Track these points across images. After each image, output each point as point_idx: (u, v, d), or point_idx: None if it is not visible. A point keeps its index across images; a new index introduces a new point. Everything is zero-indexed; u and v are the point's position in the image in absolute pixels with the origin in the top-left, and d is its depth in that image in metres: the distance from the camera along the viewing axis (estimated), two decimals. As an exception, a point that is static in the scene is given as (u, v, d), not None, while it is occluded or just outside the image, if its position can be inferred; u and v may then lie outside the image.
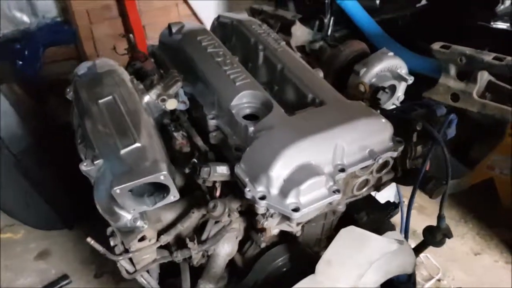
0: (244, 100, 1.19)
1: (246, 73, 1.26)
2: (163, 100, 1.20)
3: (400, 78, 1.51)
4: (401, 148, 1.18)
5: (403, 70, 1.52)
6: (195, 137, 1.24)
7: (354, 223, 1.32)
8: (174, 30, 1.46)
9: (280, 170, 1.00)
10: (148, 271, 1.21)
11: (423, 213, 2.38)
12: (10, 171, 2.07)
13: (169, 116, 1.31)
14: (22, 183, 2.12)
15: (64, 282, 2.17)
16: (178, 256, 1.18)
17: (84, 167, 1.05)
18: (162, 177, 0.98)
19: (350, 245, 1.08)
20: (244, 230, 1.26)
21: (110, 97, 1.12)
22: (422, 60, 2.10)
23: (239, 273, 1.30)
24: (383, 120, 1.15)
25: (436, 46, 1.90)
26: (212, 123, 1.22)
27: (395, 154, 1.17)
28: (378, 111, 1.28)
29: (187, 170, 1.19)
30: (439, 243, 1.35)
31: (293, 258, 1.24)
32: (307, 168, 1.02)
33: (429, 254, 2.13)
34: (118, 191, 0.96)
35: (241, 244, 1.30)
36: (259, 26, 1.47)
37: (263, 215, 1.04)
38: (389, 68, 1.49)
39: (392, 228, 1.46)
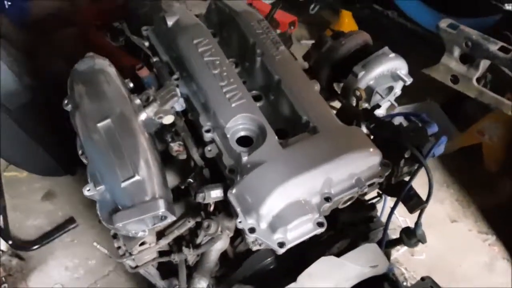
0: (239, 122, 1.20)
1: (242, 89, 1.25)
2: (160, 118, 1.21)
3: (399, 79, 1.49)
4: (387, 173, 1.24)
5: (403, 71, 1.49)
6: (192, 149, 1.28)
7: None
8: (169, 23, 1.39)
9: (270, 208, 1.07)
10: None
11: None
12: (9, 124, 2.10)
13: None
14: (21, 135, 2.17)
15: (72, 226, 2.36)
16: (176, 258, 1.30)
17: (87, 192, 1.12)
18: (160, 213, 1.05)
19: (328, 270, 1.20)
20: (235, 227, 1.37)
21: (108, 120, 1.14)
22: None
23: (230, 264, 1.45)
24: (372, 149, 1.19)
25: (443, 24, 1.83)
26: (207, 136, 1.25)
27: (381, 180, 1.23)
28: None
29: (182, 187, 1.26)
30: (412, 245, 1.47)
31: (280, 258, 1.37)
32: (296, 206, 1.09)
33: (408, 219, 2.30)
34: (120, 225, 1.04)
35: (233, 238, 1.42)
36: (257, 23, 1.40)
37: (253, 242, 1.14)
38: (389, 70, 1.46)
39: (380, 224, 1.55)
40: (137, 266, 1.33)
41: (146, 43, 1.51)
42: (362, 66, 1.44)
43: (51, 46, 2.37)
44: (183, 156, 1.32)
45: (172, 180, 1.39)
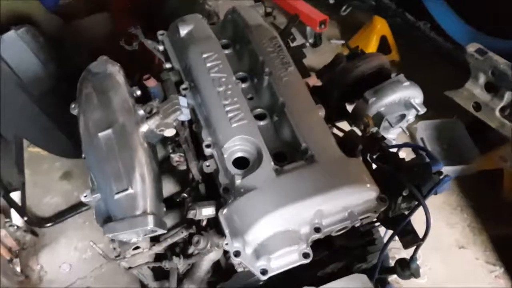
0: (237, 143, 1.21)
1: (245, 110, 1.24)
2: (162, 130, 1.23)
3: (412, 107, 1.45)
4: (383, 208, 1.21)
5: (417, 100, 1.45)
6: (191, 163, 1.30)
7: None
8: (182, 33, 1.40)
9: (256, 236, 1.08)
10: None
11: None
12: (31, 107, 2.19)
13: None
14: (42, 118, 2.25)
15: (85, 208, 2.45)
16: (166, 265, 1.34)
17: (84, 198, 1.17)
18: (149, 228, 1.08)
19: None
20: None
21: (109, 131, 1.17)
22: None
23: (223, 273, 1.48)
24: (369, 184, 1.17)
25: (471, 48, 1.75)
26: (207, 151, 1.26)
27: (375, 215, 1.21)
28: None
29: (178, 200, 1.29)
30: (406, 278, 1.45)
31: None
32: (283, 235, 1.09)
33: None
34: (110, 235, 1.09)
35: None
36: (269, 40, 1.39)
37: (238, 264, 1.16)
38: (402, 98, 1.42)
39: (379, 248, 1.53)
40: (130, 267, 1.38)
41: (161, 47, 1.52)
42: (374, 92, 1.41)
43: (80, 33, 2.43)
44: (183, 167, 1.34)
45: (171, 188, 1.42)
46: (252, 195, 1.12)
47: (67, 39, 2.29)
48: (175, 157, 1.33)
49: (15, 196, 2.33)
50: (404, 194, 1.22)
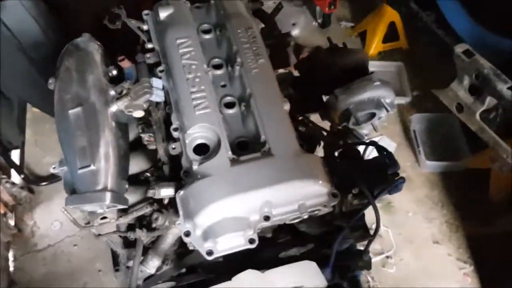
0: (199, 130, 1.26)
1: (210, 99, 1.29)
2: (130, 112, 1.29)
3: (382, 107, 1.47)
4: (334, 203, 1.27)
5: (387, 99, 1.46)
6: (158, 144, 1.37)
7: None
8: (162, 15, 1.44)
9: (204, 219, 1.16)
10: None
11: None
12: (30, 71, 2.27)
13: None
14: (40, 81, 2.33)
15: (80, 170, 2.58)
16: (131, 236, 1.44)
17: (53, 169, 1.26)
18: (105, 205, 1.17)
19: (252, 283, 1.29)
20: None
21: (79, 109, 1.24)
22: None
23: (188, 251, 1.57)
24: (321, 181, 1.22)
25: (459, 49, 1.74)
26: (174, 134, 1.33)
27: (326, 209, 1.27)
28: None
29: (142, 178, 1.37)
30: (357, 268, 1.51)
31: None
32: (231, 221, 1.16)
33: (391, 230, 2.31)
34: (71, 207, 1.18)
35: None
36: (245, 30, 1.41)
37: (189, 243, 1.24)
38: (371, 97, 1.44)
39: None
40: (100, 234, 1.48)
41: (146, 27, 1.56)
42: (344, 89, 1.43)
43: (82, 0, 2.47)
44: (153, 147, 1.41)
45: (143, 164, 1.50)
46: (206, 181, 1.18)
47: (69, 6, 2.34)
48: (145, 137, 1.41)
49: (15, 154, 2.47)
50: (353, 192, 1.27)
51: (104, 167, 1.21)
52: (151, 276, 1.55)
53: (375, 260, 2.22)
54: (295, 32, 3.33)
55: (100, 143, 1.22)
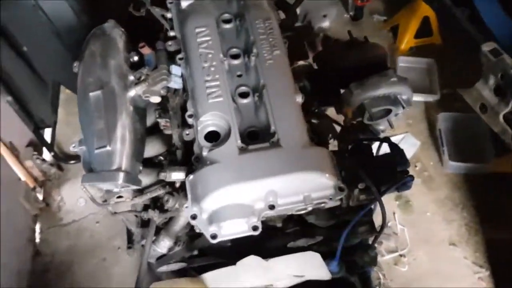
0: (211, 118, 1.30)
1: (224, 88, 1.32)
2: (147, 97, 1.35)
3: (399, 104, 1.45)
4: (340, 197, 1.28)
5: (404, 96, 1.44)
6: (173, 129, 1.42)
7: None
8: (183, 4, 1.47)
9: (211, 204, 1.20)
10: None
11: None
12: (64, 54, 2.37)
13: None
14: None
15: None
16: (144, 216, 1.51)
17: (72, 148, 1.33)
18: (119, 183, 1.23)
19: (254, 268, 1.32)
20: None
21: (99, 92, 1.30)
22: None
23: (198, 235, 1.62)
24: (328, 174, 1.23)
25: (486, 47, 1.68)
26: (189, 120, 1.37)
27: (332, 203, 1.28)
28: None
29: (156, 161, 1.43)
30: (363, 263, 1.52)
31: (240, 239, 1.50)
32: (236, 207, 1.20)
33: (407, 228, 2.29)
34: (86, 184, 1.25)
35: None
36: (263, 21, 1.42)
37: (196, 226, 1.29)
38: (387, 93, 1.43)
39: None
40: (116, 213, 1.56)
41: (169, 15, 1.61)
42: (360, 84, 1.42)
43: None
44: (168, 132, 1.47)
45: (159, 148, 1.56)
46: (214, 168, 1.22)
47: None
48: (162, 122, 1.46)
49: (48, 132, 2.60)
50: (360, 187, 1.27)
51: (120, 148, 1.27)
52: (163, 255, 1.62)
53: (388, 257, 2.21)
54: (325, 23, 3.29)
55: (117, 126, 1.28)
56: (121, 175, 1.23)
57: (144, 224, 1.67)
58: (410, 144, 2.62)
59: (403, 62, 2.98)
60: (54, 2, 2.19)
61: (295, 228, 1.62)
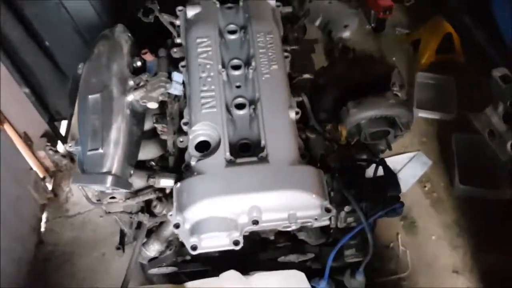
0: (203, 127, 1.31)
1: (218, 99, 1.33)
2: (144, 103, 1.37)
3: (396, 126, 1.42)
4: (327, 218, 1.26)
5: (403, 119, 1.41)
6: (169, 135, 1.43)
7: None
8: (189, 14, 1.49)
9: (192, 215, 1.21)
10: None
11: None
12: (84, 51, 2.44)
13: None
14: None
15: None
16: (135, 219, 1.53)
17: (68, 147, 1.37)
18: (107, 186, 1.26)
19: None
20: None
21: (98, 95, 1.33)
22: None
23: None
24: (314, 194, 1.21)
25: (497, 72, 1.62)
26: (184, 127, 1.39)
27: (316, 224, 1.26)
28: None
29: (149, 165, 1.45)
30: (349, 285, 1.49)
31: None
32: (218, 220, 1.20)
33: (410, 251, 2.23)
34: (76, 185, 1.28)
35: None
36: (264, 35, 1.42)
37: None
38: (385, 115, 1.40)
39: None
40: (110, 212, 1.59)
41: (178, 22, 1.63)
42: (358, 103, 1.40)
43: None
44: (165, 137, 1.49)
45: (156, 152, 1.58)
46: (200, 178, 1.23)
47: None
48: (159, 127, 1.48)
49: (64, 124, 2.67)
50: (346, 210, 1.25)
51: (112, 152, 1.29)
52: (156, 257, 1.65)
53: (387, 279, 2.16)
54: (346, 34, 3.25)
55: (111, 129, 1.31)
56: (110, 178, 1.25)
57: (139, 225, 1.70)
58: (421, 163, 2.55)
59: (421, 77, 2.91)
60: (77, 1, 2.27)
61: (287, 243, 1.61)
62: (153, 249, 1.56)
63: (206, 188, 1.20)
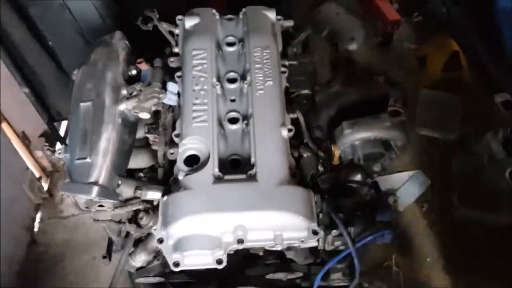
0: (193, 141, 1.29)
1: (211, 113, 1.31)
2: (136, 113, 1.36)
3: (391, 149, 1.39)
4: (313, 240, 1.24)
5: (398, 142, 1.38)
6: (160, 146, 1.42)
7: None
8: (187, 24, 1.48)
9: (176, 231, 1.19)
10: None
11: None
12: (86, 53, 2.44)
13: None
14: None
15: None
16: (122, 228, 1.51)
17: (58, 154, 1.36)
18: (92, 197, 1.25)
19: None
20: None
21: (89, 103, 1.32)
22: None
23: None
24: (301, 217, 1.19)
25: (499, 98, 1.59)
26: (175, 140, 1.37)
27: (303, 245, 1.24)
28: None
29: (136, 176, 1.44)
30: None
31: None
32: (202, 238, 1.18)
33: (402, 272, 2.19)
34: (63, 192, 1.27)
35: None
36: (261, 50, 1.40)
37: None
38: (379, 137, 1.37)
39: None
40: (98, 220, 1.57)
41: (177, 31, 1.61)
42: (352, 123, 1.38)
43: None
44: (155, 147, 1.47)
45: (148, 161, 1.56)
46: (186, 194, 1.21)
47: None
48: (151, 137, 1.47)
49: (64, 125, 2.67)
50: (333, 233, 1.23)
51: (100, 161, 1.28)
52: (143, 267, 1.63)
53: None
54: (352, 46, 3.24)
55: (101, 139, 1.29)
56: (96, 189, 1.24)
57: (128, 233, 1.69)
58: (420, 182, 2.51)
59: (426, 95, 2.87)
60: (81, 2, 2.26)
61: (275, 261, 1.59)
62: (140, 259, 1.55)
63: (191, 204, 1.19)
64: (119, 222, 1.52)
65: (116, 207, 1.47)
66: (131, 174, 1.49)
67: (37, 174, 2.41)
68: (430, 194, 2.47)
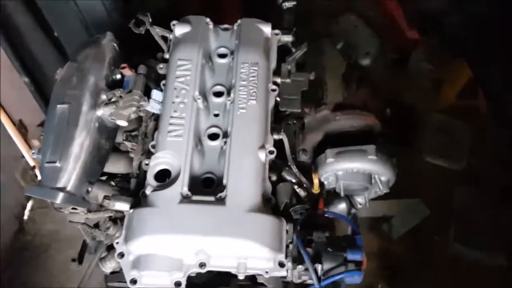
0: (165, 155, 1.24)
1: (187, 128, 1.26)
2: (113, 119, 1.32)
3: (374, 184, 1.31)
4: (278, 272, 1.18)
5: (382, 177, 1.31)
6: (136, 155, 1.38)
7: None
8: (177, 32, 1.43)
9: (136, 248, 1.15)
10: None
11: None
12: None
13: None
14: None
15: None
16: (93, 233, 1.48)
17: (33, 154, 1.34)
18: (56, 202, 1.22)
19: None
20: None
21: (65, 106, 1.29)
22: None
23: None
24: (267, 248, 1.13)
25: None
26: (152, 150, 1.33)
27: (268, 275, 1.18)
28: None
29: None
30: None
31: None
32: (161, 259, 1.14)
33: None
34: (28, 194, 1.25)
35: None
36: (249, 66, 1.34)
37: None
38: (362, 170, 1.30)
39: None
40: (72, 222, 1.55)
41: (171, 36, 1.57)
42: (336, 152, 1.31)
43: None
44: (132, 155, 1.43)
45: (125, 168, 1.52)
46: (149, 211, 1.17)
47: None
48: (129, 145, 1.43)
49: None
50: (299, 268, 1.16)
51: (70, 167, 1.25)
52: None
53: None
54: (365, 61, 3.15)
55: (73, 144, 1.26)
56: (61, 195, 1.21)
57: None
58: (418, 212, 2.42)
59: (437, 119, 2.77)
60: (88, -4, 2.25)
61: (247, 283, 1.53)
62: (110, 266, 1.50)
63: (154, 223, 1.14)
64: (93, 226, 1.49)
65: (90, 211, 1.45)
66: (112, 179, 1.46)
67: (31, 163, 2.41)
68: (428, 224, 2.37)
